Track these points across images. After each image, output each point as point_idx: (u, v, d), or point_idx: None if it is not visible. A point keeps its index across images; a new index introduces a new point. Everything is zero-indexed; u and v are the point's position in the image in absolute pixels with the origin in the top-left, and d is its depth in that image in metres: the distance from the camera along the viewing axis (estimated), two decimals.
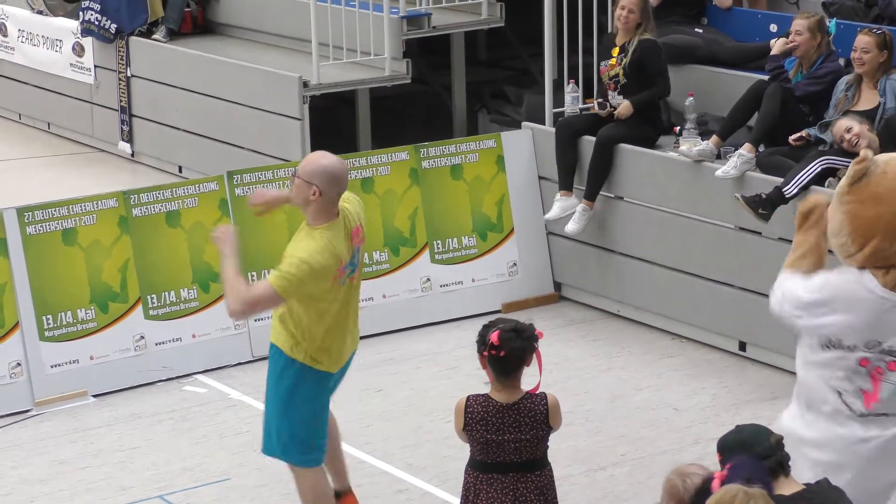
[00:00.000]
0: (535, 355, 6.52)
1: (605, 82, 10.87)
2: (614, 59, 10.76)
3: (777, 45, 10.43)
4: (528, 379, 6.61)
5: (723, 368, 10.03)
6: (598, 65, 10.97)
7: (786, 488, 5.56)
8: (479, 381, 9.69)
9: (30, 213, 9.65)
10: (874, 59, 9.82)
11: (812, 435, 6.10)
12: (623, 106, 10.71)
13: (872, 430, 6.02)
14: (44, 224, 9.69)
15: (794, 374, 9.56)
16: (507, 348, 6.43)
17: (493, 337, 6.43)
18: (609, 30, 11.39)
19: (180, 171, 14.40)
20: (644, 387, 9.79)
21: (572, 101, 11.39)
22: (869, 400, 6.04)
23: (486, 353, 6.50)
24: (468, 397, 6.64)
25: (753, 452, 5.61)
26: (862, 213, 5.96)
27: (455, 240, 11.02)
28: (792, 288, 6.14)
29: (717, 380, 9.86)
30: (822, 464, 6.00)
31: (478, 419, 6.55)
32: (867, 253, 5.98)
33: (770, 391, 9.64)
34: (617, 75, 10.76)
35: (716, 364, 10.11)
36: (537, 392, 6.58)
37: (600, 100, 10.85)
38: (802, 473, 5.83)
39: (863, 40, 9.88)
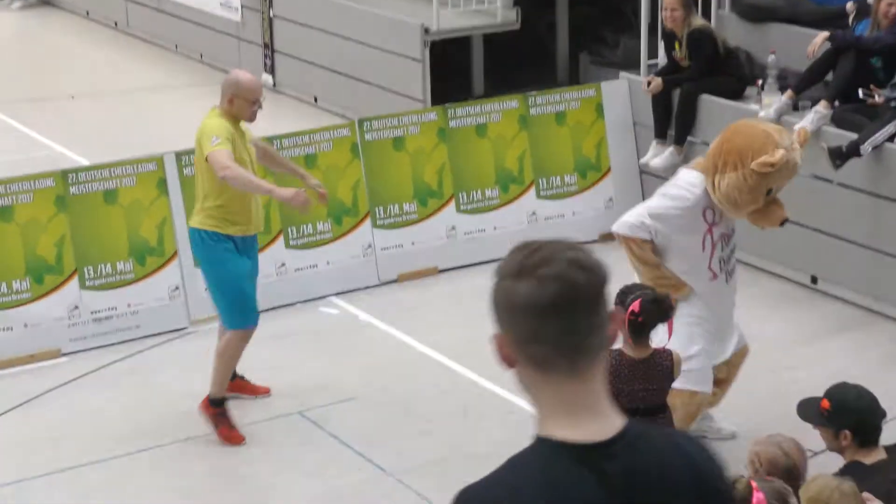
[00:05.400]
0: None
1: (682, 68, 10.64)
2: (679, 52, 10.54)
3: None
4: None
5: (796, 300, 9.80)
6: (669, 53, 10.74)
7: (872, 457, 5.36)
8: None
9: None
10: None
11: None
12: (655, 83, 10.54)
13: None
14: None
15: (860, 307, 9.46)
16: (647, 316, 6.29)
17: (635, 305, 6.28)
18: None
19: (316, 101, 14.27)
20: None
21: (664, 54, 11.09)
22: None
23: (624, 317, 6.33)
24: None
25: (874, 422, 5.41)
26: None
27: (558, 178, 10.81)
28: None
29: (791, 310, 9.63)
30: None
31: (610, 370, 6.33)
32: None
33: (839, 323, 9.39)
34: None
35: (789, 295, 9.87)
36: (663, 350, 6.43)
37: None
38: None
39: None
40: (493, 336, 2.74)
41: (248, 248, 7.92)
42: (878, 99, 9.52)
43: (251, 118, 7.83)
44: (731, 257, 7.34)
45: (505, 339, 2.72)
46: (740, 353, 7.61)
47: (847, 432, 5.36)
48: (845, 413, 5.39)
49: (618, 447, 2.71)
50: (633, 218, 7.07)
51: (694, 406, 7.09)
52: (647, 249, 7.05)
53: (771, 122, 9.75)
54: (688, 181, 7.13)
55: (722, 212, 7.12)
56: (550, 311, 2.64)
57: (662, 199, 7.12)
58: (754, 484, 4.71)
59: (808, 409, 5.54)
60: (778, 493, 4.70)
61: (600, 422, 2.72)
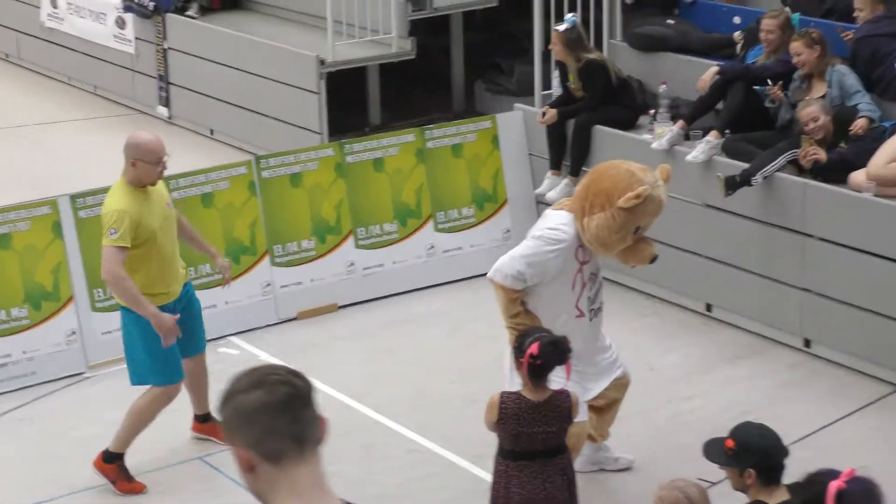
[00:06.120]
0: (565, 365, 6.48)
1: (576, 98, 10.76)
2: (573, 83, 10.66)
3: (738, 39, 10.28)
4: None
5: (692, 328, 9.93)
6: (564, 83, 10.84)
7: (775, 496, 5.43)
8: (476, 339, 9.58)
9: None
10: (809, 56, 9.61)
11: None
12: (549, 114, 10.63)
13: None
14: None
15: (754, 334, 9.61)
16: (545, 358, 6.36)
17: (533, 348, 6.35)
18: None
19: (212, 133, 14.21)
20: (620, 344, 9.64)
21: (559, 84, 11.19)
22: None
23: (523, 360, 6.41)
24: (502, 394, 6.55)
25: (777, 461, 5.49)
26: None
27: (456, 210, 10.87)
28: None
29: (687, 339, 9.76)
30: None
31: (511, 415, 6.45)
32: None
33: (734, 351, 9.53)
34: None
35: (686, 324, 10.00)
36: (561, 391, 6.51)
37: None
38: None
39: (794, 46, 9.66)
40: (232, 450, 3.18)
41: (176, 309, 7.81)
42: (778, 92, 9.66)
43: (156, 180, 7.69)
44: (598, 296, 7.44)
45: (242, 448, 3.16)
46: (620, 384, 7.71)
47: (751, 471, 5.45)
48: (749, 452, 5.47)
49: None
50: (509, 268, 7.11)
51: (574, 438, 7.17)
52: (515, 301, 7.15)
53: (663, 151, 9.96)
54: (560, 221, 7.22)
55: (591, 251, 7.24)
56: (281, 409, 3.15)
57: (538, 242, 7.17)
58: None
59: (714, 450, 5.63)
60: None
61: (326, 501, 3.19)
